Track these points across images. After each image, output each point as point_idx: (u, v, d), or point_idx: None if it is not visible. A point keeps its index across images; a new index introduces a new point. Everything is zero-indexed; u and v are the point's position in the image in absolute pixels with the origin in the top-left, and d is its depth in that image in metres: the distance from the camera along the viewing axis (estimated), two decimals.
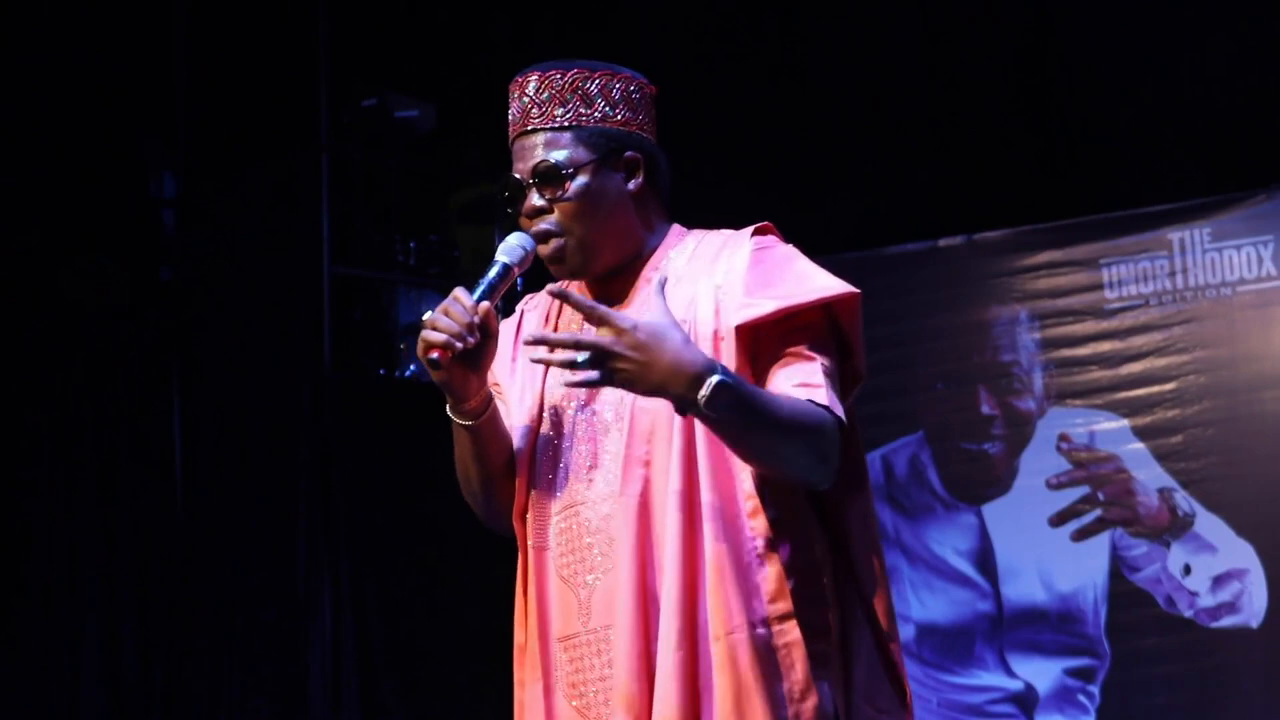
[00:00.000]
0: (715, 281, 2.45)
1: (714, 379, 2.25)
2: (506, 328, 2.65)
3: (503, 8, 6.28)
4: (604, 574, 2.44)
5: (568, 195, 2.48)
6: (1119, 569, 5.62)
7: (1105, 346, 5.72)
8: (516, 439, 2.55)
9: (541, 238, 2.51)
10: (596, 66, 2.52)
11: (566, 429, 2.51)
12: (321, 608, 5.81)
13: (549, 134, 2.49)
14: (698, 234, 2.58)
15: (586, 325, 2.34)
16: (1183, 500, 5.56)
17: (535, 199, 2.49)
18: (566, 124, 2.49)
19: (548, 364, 2.39)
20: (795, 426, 2.32)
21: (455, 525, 5.06)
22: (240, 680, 5.88)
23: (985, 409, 5.84)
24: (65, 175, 5.88)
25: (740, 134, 6.09)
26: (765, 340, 2.42)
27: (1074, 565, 5.65)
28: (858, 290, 2.44)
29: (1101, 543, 5.65)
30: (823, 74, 6.09)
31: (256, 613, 5.91)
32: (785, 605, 2.38)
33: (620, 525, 2.42)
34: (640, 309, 2.43)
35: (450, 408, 2.50)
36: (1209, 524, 5.52)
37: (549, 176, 2.48)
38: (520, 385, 2.58)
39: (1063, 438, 5.74)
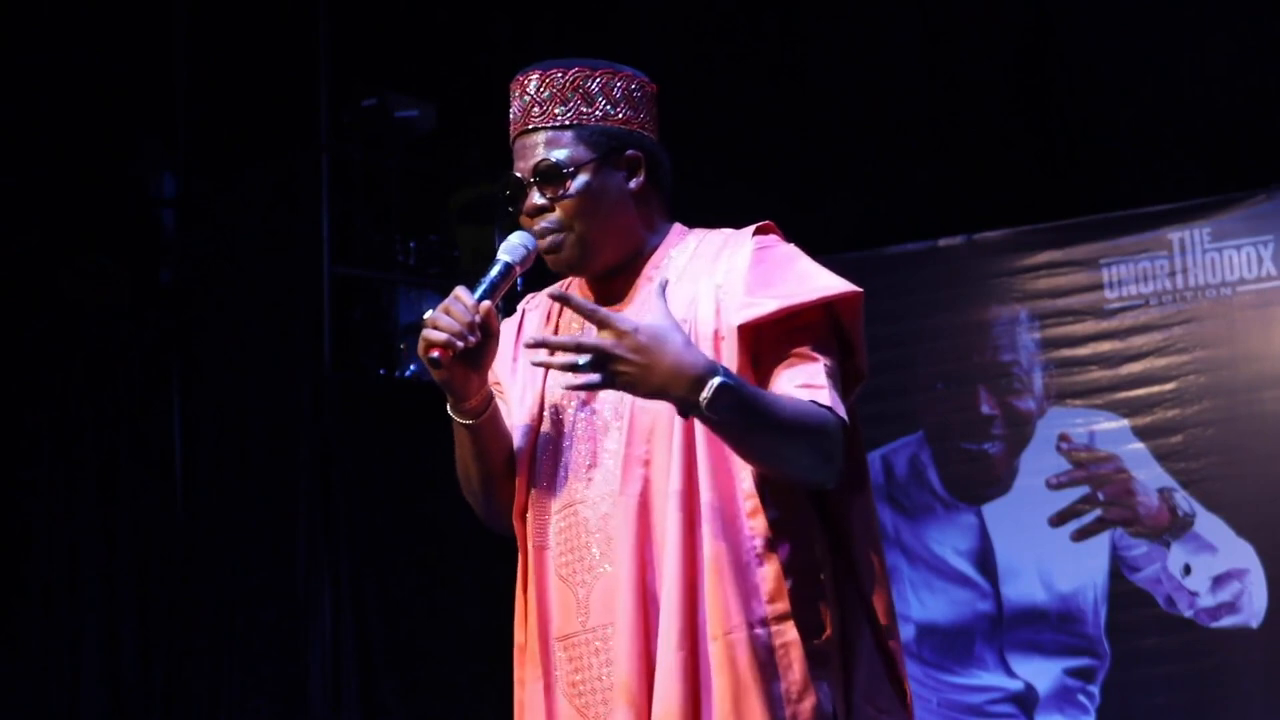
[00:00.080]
0: (716, 281, 2.45)
1: (715, 381, 2.25)
2: (508, 327, 2.65)
3: (503, 8, 6.28)
4: (603, 573, 2.44)
5: (569, 194, 2.48)
6: (1119, 569, 5.62)
7: (1105, 346, 5.72)
8: (517, 438, 2.55)
9: (542, 236, 2.51)
10: (598, 65, 2.52)
11: (567, 428, 2.51)
12: (321, 608, 5.81)
13: (550, 133, 2.49)
14: (699, 233, 2.58)
15: (587, 327, 2.34)
16: (1183, 500, 5.56)
17: (536, 197, 2.49)
18: (567, 123, 2.49)
19: (548, 367, 2.39)
20: (798, 427, 2.32)
21: (455, 525, 5.06)
22: (240, 680, 5.88)
23: (985, 409, 5.84)
24: (65, 175, 5.88)
25: (740, 134, 6.09)
26: (767, 340, 2.41)
27: (1074, 565, 5.66)
28: (860, 289, 2.44)
29: (1101, 543, 5.65)
30: (823, 74, 6.10)
31: (256, 613, 5.91)
32: (783, 605, 2.37)
33: (619, 524, 2.42)
34: (640, 309, 2.43)
35: (451, 407, 2.50)
36: (1209, 524, 5.52)
37: (550, 175, 2.48)
38: (521, 384, 2.58)
39: (1063, 438, 5.74)
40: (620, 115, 2.51)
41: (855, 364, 2.48)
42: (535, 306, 2.67)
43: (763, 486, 2.39)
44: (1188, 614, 5.52)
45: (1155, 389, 5.63)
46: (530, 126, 2.50)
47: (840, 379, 2.42)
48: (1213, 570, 5.50)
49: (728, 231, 2.55)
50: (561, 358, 2.30)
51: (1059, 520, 5.70)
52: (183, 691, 5.95)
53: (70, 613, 5.81)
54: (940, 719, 5.71)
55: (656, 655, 2.37)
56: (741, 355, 2.39)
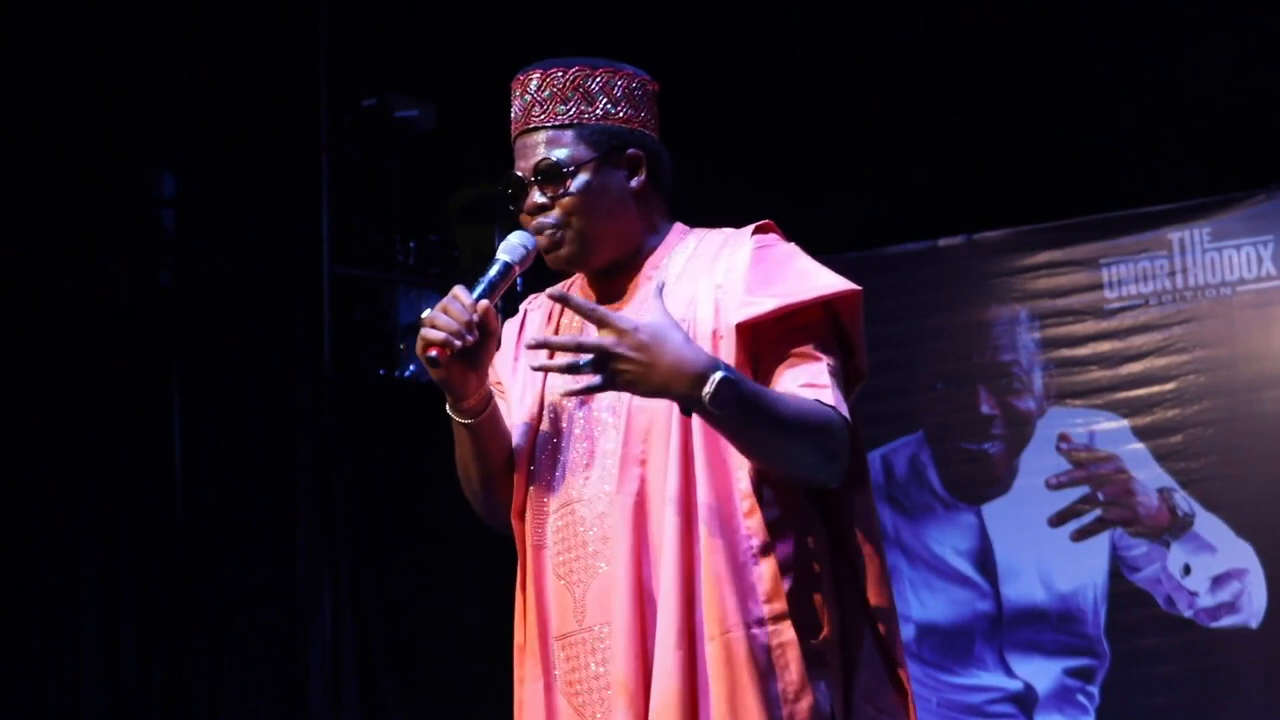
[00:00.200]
0: (715, 280, 2.45)
1: (717, 376, 2.25)
2: (510, 327, 2.65)
3: (503, 8, 6.28)
4: (599, 572, 2.44)
5: (569, 192, 2.48)
6: (1119, 569, 5.62)
7: (1105, 346, 5.72)
8: (516, 436, 2.55)
9: (542, 233, 2.50)
10: (599, 64, 2.52)
11: (565, 427, 2.51)
12: (321, 608, 5.81)
13: (551, 132, 2.49)
14: (699, 233, 2.58)
15: (588, 326, 2.34)
16: (1182, 500, 5.56)
17: (537, 196, 2.49)
18: (568, 122, 2.49)
19: (548, 369, 2.39)
20: (802, 424, 2.32)
21: (455, 525, 5.07)
22: (240, 680, 5.88)
23: (985, 409, 5.84)
24: (65, 175, 5.88)
25: (740, 134, 6.09)
26: (767, 340, 2.41)
27: (1074, 565, 5.66)
28: (859, 287, 2.44)
29: (1101, 543, 5.65)
30: (823, 74, 6.10)
31: (256, 613, 5.91)
32: (781, 605, 2.37)
33: (616, 524, 2.42)
34: (639, 308, 2.43)
35: (450, 406, 2.49)
36: (1208, 524, 5.52)
37: (550, 174, 2.48)
38: (522, 383, 2.58)
39: (1062, 438, 5.74)
40: (621, 114, 2.51)
41: (855, 363, 2.47)
42: (537, 307, 2.66)
43: (760, 486, 2.39)
44: (1187, 614, 5.52)
45: (1155, 389, 5.63)
46: (531, 125, 2.50)
47: (842, 378, 2.42)
48: (1212, 570, 5.50)
49: (728, 231, 2.55)
50: (562, 358, 2.30)
51: (1059, 520, 5.70)
52: (183, 691, 5.95)
53: (70, 613, 5.81)
54: (940, 719, 5.71)
55: (653, 654, 2.37)
56: (740, 354, 2.39)
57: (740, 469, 2.39)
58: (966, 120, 5.97)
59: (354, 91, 6.13)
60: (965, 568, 5.80)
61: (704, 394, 2.24)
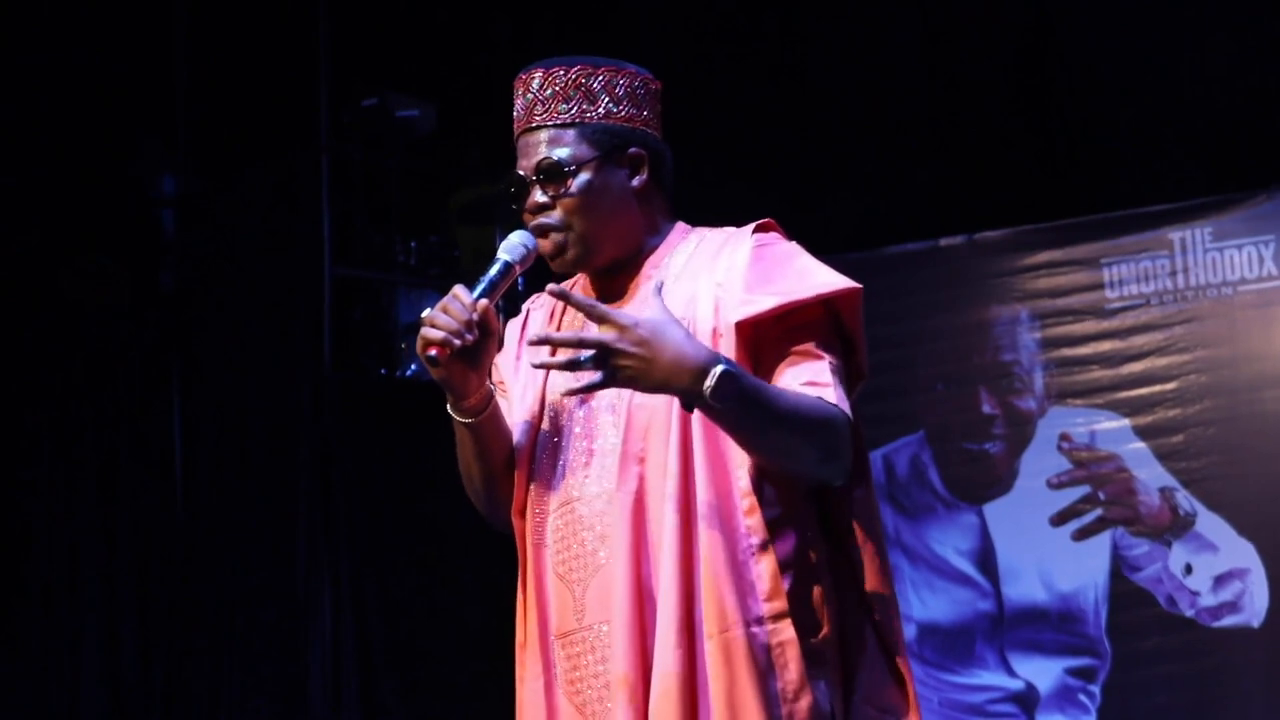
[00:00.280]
0: (716, 279, 2.45)
1: (718, 369, 2.24)
2: (513, 326, 2.66)
3: (503, 8, 6.28)
4: (599, 570, 2.43)
5: (570, 192, 2.48)
6: (1120, 568, 5.62)
7: (1106, 346, 5.72)
8: (517, 435, 2.55)
9: (543, 233, 2.50)
10: (601, 62, 2.52)
11: (566, 425, 2.51)
12: (321, 608, 5.81)
13: (552, 131, 2.49)
14: (701, 232, 2.58)
15: (589, 324, 2.34)
16: (1184, 500, 5.55)
17: (538, 195, 2.49)
18: (570, 120, 2.49)
19: (549, 368, 2.39)
20: (804, 420, 2.32)
21: (455, 525, 5.07)
22: (240, 680, 5.88)
23: (986, 409, 5.84)
24: (65, 175, 5.88)
25: (740, 134, 6.08)
26: (767, 339, 2.41)
27: (1075, 565, 5.65)
28: (859, 285, 2.44)
29: (1102, 542, 5.65)
30: (823, 74, 6.09)
31: (256, 613, 5.90)
32: (780, 604, 2.37)
33: (615, 522, 2.42)
34: (639, 307, 2.43)
35: (450, 405, 2.49)
36: (1210, 523, 5.51)
37: (552, 173, 2.48)
38: (523, 382, 2.58)
39: (1064, 437, 5.74)
40: (623, 113, 2.51)
41: (856, 362, 2.47)
42: (540, 306, 2.67)
43: (760, 484, 2.39)
44: (1189, 614, 5.52)
45: (1156, 388, 5.63)
46: (533, 124, 2.50)
47: (843, 377, 2.42)
48: (1214, 570, 5.50)
49: (729, 230, 2.55)
50: (563, 355, 2.30)
51: (1060, 520, 5.69)
52: (183, 691, 5.95)
53: (70, 613, 5.81)
54: (941, 719, 5.71)
55: (653, 652, 2.36)
56: (740, 353, 2.38)
57: (740, 467, 2.39)
58: (966, 120, 5.97)
59: (354, 91, 6.13)
60: (966, 568, 5.80)
61: (705, 387, 2.24)
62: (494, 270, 2.47)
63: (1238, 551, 5.47)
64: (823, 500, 2.47)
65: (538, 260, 2.54)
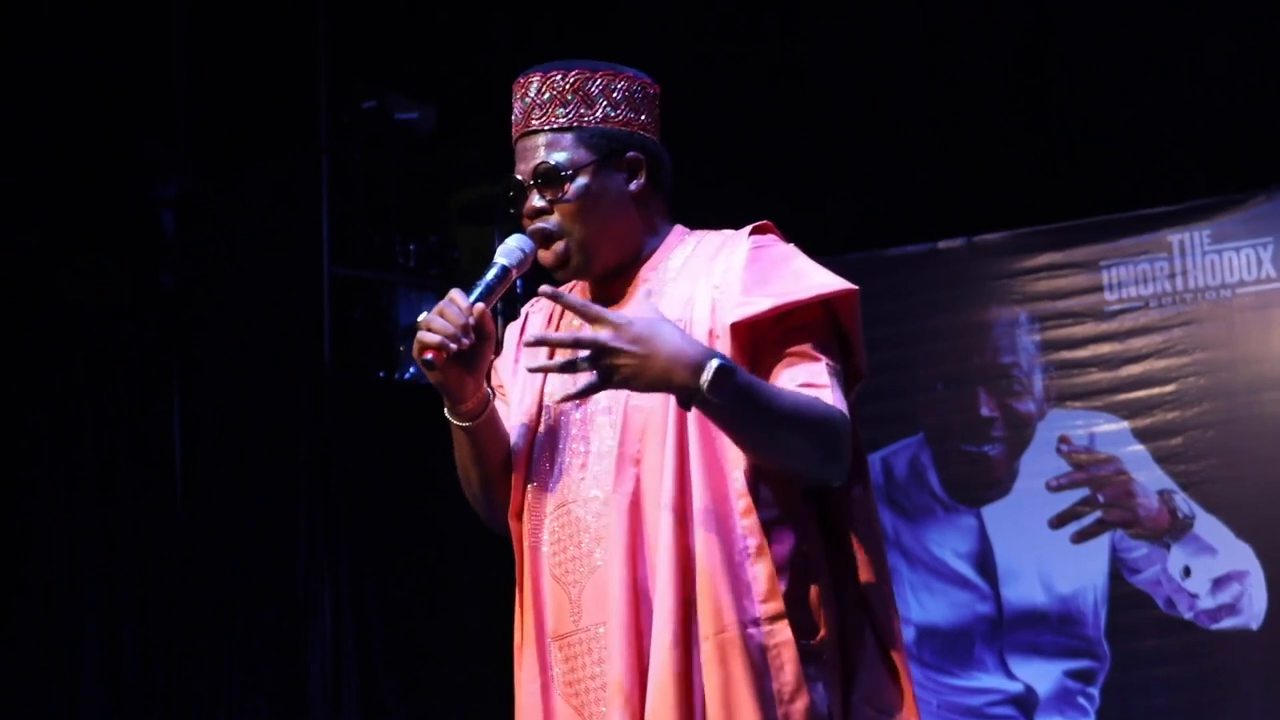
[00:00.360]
0: (713, 281, 2.45)
1: (714, 364, 2.24)
2: (511, 330, 2.66)
3: (503, 8, 6.28)
4: (595, 572, 2.44)
5: (568, 196, 2.48)
6: (1119, 571, 5.62)
7: (1105, 348, 5.72)
8: (514, 437, 2.55)
9: (542, 239, 2.51)
10: (599, 67, 2.52)
11: (563, 428, 2.51)
12: (321, 608, 5.81)
13: (550, 135, 2.49)
14: (699, 234, 2.58)
15: (585, 327, 2.34)
16: (1182, 502, 5.55)
17: (536, 200, 2.50)
18: (568, 125, 2.49)
19: (545, 370, 2.39)
20: (801, 419, 2.32)
21: (455, 525, 5.06)
22: (240, 680, 5.88)
23: (985, 411, 5.84)
24: (65, 175, 5.88)
25: (740, 134, 6.08)
26: (765, 340, 2.41)
27: (1074, 567, 5.65)
28: (856, 287, 2.43)
29: (1101, 545, 5.65)
30: (823, 74, 6.09)
31: (256, 613, 5.91)
32: (777, 605, 2.37)
33: (611, 523, 2.42)
34: (634, 309, 2.43)
35: (448, 409, 2.50)
36: (1209, 526, 5.51)
37: (549, 178, 2.48)
38: (521, 385, 2.59)
39: (1063, 440, 5.74)
40: (621, 117, 2.51)
41: (854, 363, 2.47)
42: (538, 310, 2.67)
43: (756, 486, 2.39)
44: (1188, 616, 5.52)
45: (1155, 391, 5.63)
46: (531, 129, 2.50)
47: (841, 378, 2.42)
48: (1212, 572, 5.50)
49: (727, 232, 2.55)
50: (560, 357, 2.30)
51: (1059, 522, 5.69)
52: (183, 691, 5.95)
53: (70, 613, 5.81)
54: None
55: (649, 654, 2.36)
56: (737, 354, 2.38)
57: (736, 468, 2.39)
58: (966, 120, 5.97)
59: (354, 92, 6.13)
60: (965, 570, 5.80)
61: (702, 382, 2.24)
62: (490, 274, 2.47)
63: (1236, 554, 5.47)
64: (821, 501, 2.47)
65: (537, 262, 2.54)
